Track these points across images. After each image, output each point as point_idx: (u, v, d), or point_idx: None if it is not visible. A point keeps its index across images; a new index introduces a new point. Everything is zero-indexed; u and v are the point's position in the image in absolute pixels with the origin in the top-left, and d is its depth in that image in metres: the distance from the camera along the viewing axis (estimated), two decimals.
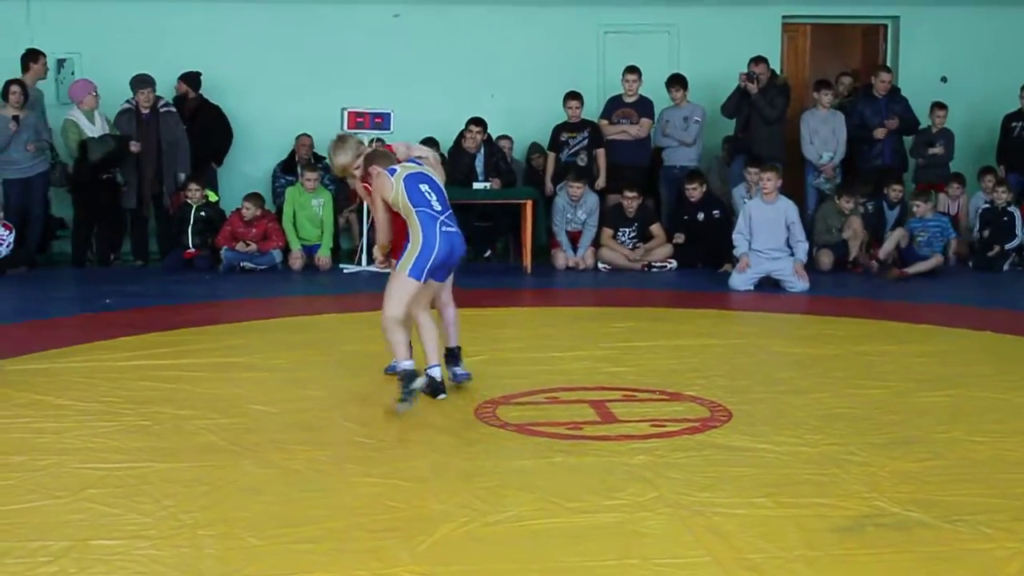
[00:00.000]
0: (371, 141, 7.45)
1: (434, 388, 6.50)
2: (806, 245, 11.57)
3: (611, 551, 4.22)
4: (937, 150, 13.71)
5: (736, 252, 11.54)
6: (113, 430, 5.91)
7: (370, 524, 4.49)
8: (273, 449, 5.57)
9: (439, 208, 6.45)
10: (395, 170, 6.57)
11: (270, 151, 14.22)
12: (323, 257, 12.88)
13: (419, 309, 6.60)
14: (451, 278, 6.83)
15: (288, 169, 13.98)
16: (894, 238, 12.33)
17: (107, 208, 12.99)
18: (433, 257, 6.36)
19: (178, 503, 4.73)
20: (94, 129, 12.75)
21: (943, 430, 5.93)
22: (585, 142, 13.32)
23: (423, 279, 6.38)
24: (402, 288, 6.38)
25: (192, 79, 13.66)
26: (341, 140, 7.00)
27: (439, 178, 6.66)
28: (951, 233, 12.79)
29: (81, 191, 12.89)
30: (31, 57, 13.18)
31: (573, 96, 13.43)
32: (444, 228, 6.42)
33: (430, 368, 6.57)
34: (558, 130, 13.47)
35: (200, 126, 13.54)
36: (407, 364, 6.28)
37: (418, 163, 6.69)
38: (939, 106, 13.86)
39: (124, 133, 12.91)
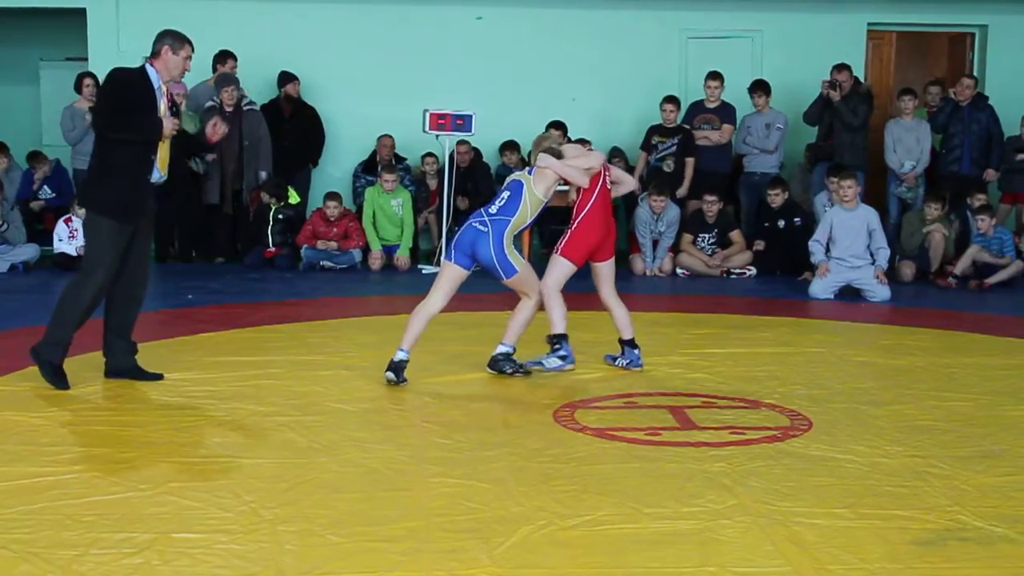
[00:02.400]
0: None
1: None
2: (887, 251, 11.46)
3: (690, 558, 4.21)
4: (1022, 155, 13.48)
5: (813, 260, 11.48)
6: (195, 425, 5.99)
7: (449, 524, 4.51)
8: (352, 447, 5.60)
9: (493, 211, 7.17)
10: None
11: (351, 151, 14.32)
12: (402, 257, 12.94)
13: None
14: (607, 279, 7.67)
15: (369, 169, 14.05)
16: (969, 255, 12.12)
17: (188, 203, 13.11)
18: (454, 240, 7.20)
19: (259, 499, 4.78)
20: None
21: None
22: (674, 148, 13.24)
23: (449, 257, 7.18)
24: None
25: (293, 78, 13.78)
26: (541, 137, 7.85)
27: (533, 191, 7.25)
28: (1009, 251, 12.38)
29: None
30: (219, 59, 13.54)
31: (669, 100, 13.35)
32: (473, 222, 7.16)
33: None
34: (651, 132, 13.41)
35: (297, 127, 13.65)
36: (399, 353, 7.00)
37: (530, 171, 7.37)
38: None
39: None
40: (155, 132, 6.79)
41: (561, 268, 7.38)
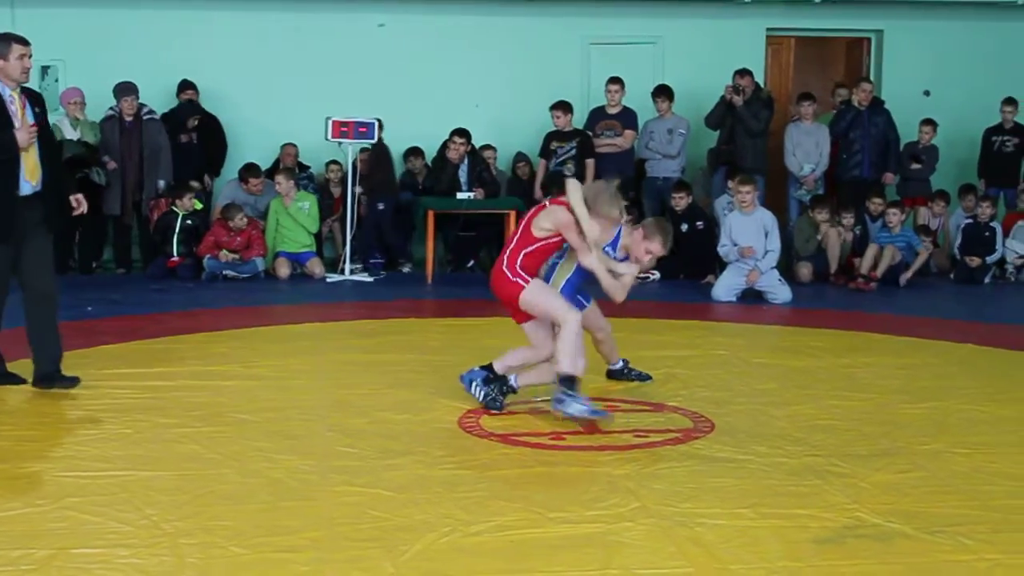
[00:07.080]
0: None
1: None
2: (775, 254, 11.49)
3: (593, 561, 4.23)
4: (917, 165, 13.77)
5: (730, 259, 11.51)
6: (95, 438, 5.90)
7: (353, 534, 4.49)
8: (256, 458, 5.56)
9: None
10: None
11: (254, 160, 14.10)
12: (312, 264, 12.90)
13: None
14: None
15: (272, 177, 13.92)
16: (886, 259, 12.28)
17: (88, 214, 12.93)
18: None
19: (160, 512, 4.73)
20: (74, 135, 12.80)
21: (924, 442, 5.96)
22: (573, 151, 13.30)
23: None
24: None
25: (193, 86, 13.67)
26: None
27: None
28: (917, 244, 12.69)
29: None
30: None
31: (557, 106, 13.41)
32: None
33: None
34: (549, 138, 13.47)
35: (199, 136, 13.51)
36: None
37: None
38: (927, 122, 13.91)
39: (108, 140, 12.92)
40: (10, 148, 6.69)
41: None
